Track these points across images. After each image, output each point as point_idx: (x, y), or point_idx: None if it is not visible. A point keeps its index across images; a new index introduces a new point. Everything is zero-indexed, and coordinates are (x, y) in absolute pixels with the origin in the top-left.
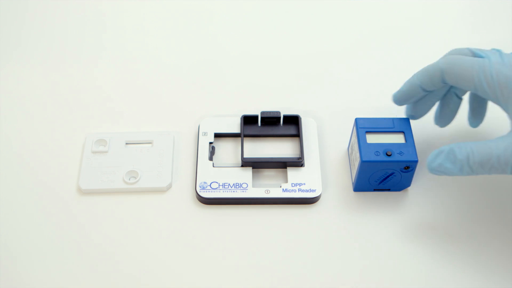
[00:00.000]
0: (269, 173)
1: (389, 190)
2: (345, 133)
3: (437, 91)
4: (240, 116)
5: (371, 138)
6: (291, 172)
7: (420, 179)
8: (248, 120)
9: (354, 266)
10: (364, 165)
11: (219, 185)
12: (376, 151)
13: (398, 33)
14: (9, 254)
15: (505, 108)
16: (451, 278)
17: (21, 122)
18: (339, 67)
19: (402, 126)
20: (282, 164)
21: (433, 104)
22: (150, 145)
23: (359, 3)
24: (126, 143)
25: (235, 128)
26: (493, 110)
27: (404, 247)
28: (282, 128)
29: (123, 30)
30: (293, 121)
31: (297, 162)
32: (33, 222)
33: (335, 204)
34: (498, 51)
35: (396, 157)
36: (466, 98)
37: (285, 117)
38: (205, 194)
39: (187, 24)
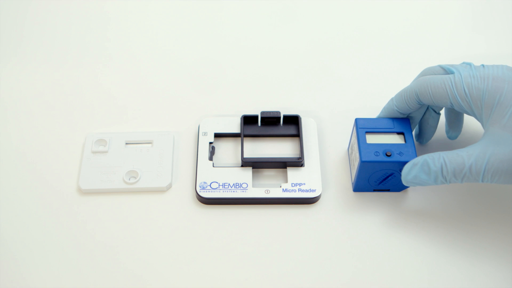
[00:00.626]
0: (269, 173)
1: (388, 190)
2: (345, 133)
3: (416, 113)
4: (240, 116)
5: (371, 139)
6: (291, 172)
7: None
8: (248, 120)
9: (354, 266)
10: (364, 165)
11: (219, 185)
12: (376, 151)
13: (399, 33)
14: (9, 254)
15: (479, 119)
16: (451, 277)
17: (21, 122)
18: (339, 67)
19: (402, 126)
20: (282, 164)
21: (415, 126)
22: (150, 145)
23: (359, 3)
24: (126, 143)
25: (235, 128)
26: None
27: (404, 247)
28: (282, 128)
29: (124, 30)
30: (293, 121)
31: (297, 162)
32: (33, 222)
33: (335, 204)
34: (469, 64)
35: (395, 157)
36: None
37: (285, 117)
38: (205, 194)
39: (187, 24)
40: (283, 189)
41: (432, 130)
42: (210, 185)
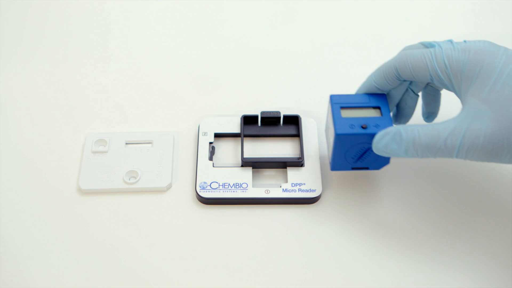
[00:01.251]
0: (269, 173)
1: (367, 168)
2: None
3: (395, 92)
4: (240, 116)
5: (346, 113)
6: (291, 172)
7: (417, 180)
8: (248, 120)
9: (354, 266)
10: (339, 138)
11: (219, 185)
12: (351, 124)
13: (399, 33)
14: (9, 254)
15: (459, 93)
16: (451, 277)
17: (21, 122)
18: (339, 67)
19: (378, 101)
20: (282, 164)
21: (393, 107)
22: (150, 145)
23: (359, 3)
24: (126, 143)
25: (235, 128)
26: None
27: (404, 247)
28: (282, 128)
29: (124, 30)
30: (293, 121)
31: (297, 162)
32: (33, 222)
33: (335, 204)
34: (450, 40)
35: (371, 129)
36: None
37: (285, 117)
38: (205, 194)
39: (187, 24)
40: (283, 189)
41: (410, 111)
42: (210, 185)
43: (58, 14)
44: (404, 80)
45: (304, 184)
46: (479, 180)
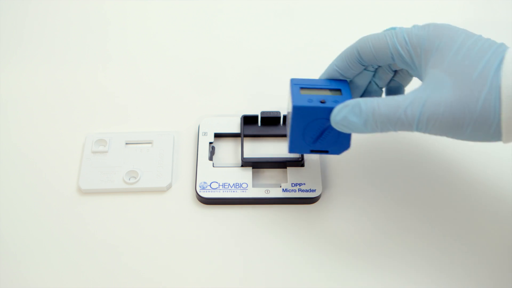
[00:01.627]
0: (269, 173)
1: (327, 152)
2: None
3: (358, 80)
4: (240, 116)
5: (305, 92)
6: (291, 172)
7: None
8: (248, 120)
9: (354, 266)
10: (296, 111)
11: (219, 185)
12: (310, 99)
13: None
14: (9, 254)
15: (419, 69)
16: (452, 275)
17: (21, 122)
18: None
19: (340, 85)
20: (282, 164)
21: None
22: (150, 145)
23: (359, 3)
24: (126, 143)
25: (235, 128)
26: None
27: (404, 247)
28: (282, 128)
29: (124, 30)
30: None
31: (297, 162)
32: (33, 222)
33: (335, 204)
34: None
35: (330, 104)
36: None
37: (285, 117)
38: (205, 194)
39: (187, 24)
40: (283, 189)
41: None
42: (210, 185)
43: (58, 14)
44: (367, 68)
45: (304, 184)
46: (483, 183)
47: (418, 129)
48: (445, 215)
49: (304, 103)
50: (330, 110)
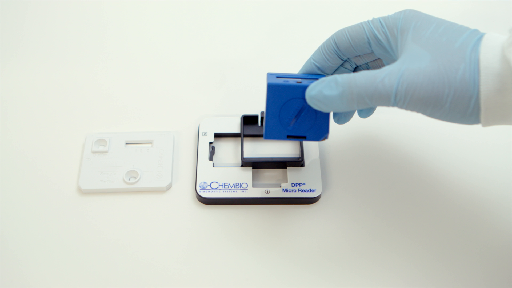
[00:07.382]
0: (269, 173)
1: (305, 138)
2: (345, 133)
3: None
4: (240, 116)
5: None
6: (291, 172)
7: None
8: (248, 120)
9: (354, 266)
10: (271, 89)
11: (219, 185)
12: (285, 80)
13: None
14: (10, 254)
15: (395, 53)
16: (453, 275)
17: (21, 122)
18: None
19: (317, 78)
20: (282, 164)
21: None
22: (150, 145)
23: (359, 3)
24: (126, 143)
25: (235, 128)
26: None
27: (404, 247)
28: None
29: (124, 30)
30: None
31: (297, 162)
32: (33, 222)
33: (335, 204)
34: None
35: (307, 83)
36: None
37: None
38: (205, 194)
39: (187, 24)
40: (283, 189)
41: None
42: (210, 185)
43: (58, 14)
44: (344, 65)
45: (304, 184)
46: (488, 185)
47: (396, 101)
48: (445, 215)
49: (279, 81)
50: (305, 88)
